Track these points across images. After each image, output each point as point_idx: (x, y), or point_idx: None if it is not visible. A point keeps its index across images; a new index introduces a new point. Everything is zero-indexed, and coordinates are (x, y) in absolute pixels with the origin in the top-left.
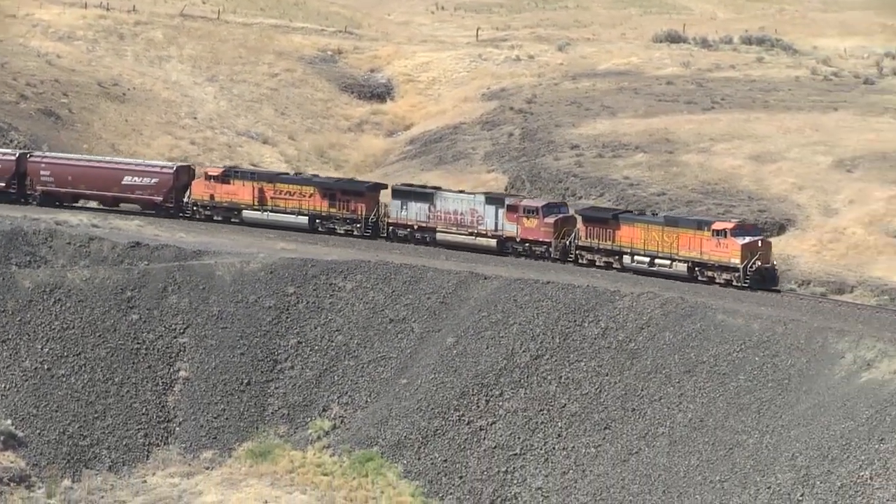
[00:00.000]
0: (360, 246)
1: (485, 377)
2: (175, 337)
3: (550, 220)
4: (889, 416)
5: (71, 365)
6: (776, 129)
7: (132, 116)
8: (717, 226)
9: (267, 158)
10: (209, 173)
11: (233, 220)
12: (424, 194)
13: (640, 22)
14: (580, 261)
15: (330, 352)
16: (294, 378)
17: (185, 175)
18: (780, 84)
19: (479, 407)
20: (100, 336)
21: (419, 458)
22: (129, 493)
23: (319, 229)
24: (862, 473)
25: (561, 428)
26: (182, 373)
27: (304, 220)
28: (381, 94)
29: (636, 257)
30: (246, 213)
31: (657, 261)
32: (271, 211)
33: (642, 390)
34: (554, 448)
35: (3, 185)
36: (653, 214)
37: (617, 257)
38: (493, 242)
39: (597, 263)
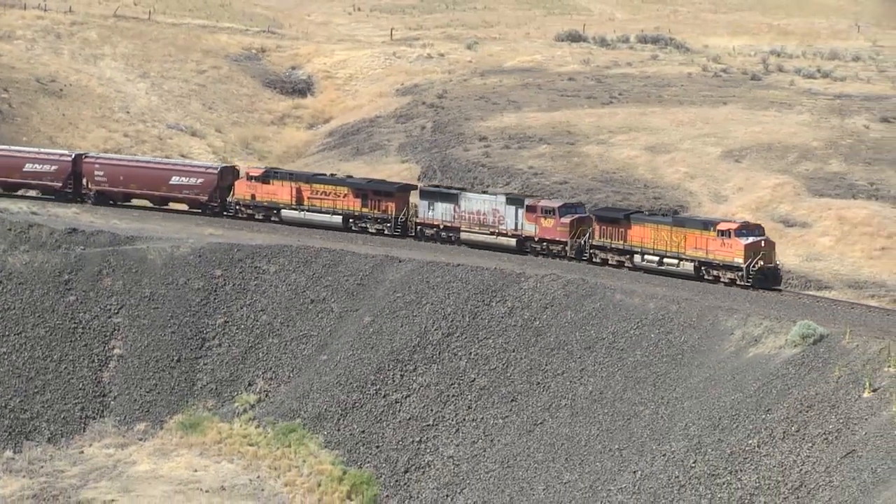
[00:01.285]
0: (282, 231)
1: (399, 353)
2: (110, 317)
3: (566, 220)
4: (775, 389)
5: (12, 343)
6: (670, 122)
7: (69, 111)
8: (722, 226)
9: (196, 150)
10: (251, 174)
11: (272, 218)
12: (450, 195)
13: (543, 22)
14: (594, 259)
15: (255, 330)
16: (221, 355)
17: (229, 175)
18: (673, 80)
19: (394, 381)
20: (39, 316)
21: (339, 429)
22: (68, 463)
23: (353, 228)
24: (750, 441)
25: (471, 400)
26: (116, 350)
27: (338, 219)
28: (301, 89)
29: (646, 256)
30: (285, 213)
31: (665, 260)
32: (308, 210)
33: (546, 365)
34: (464, 419)
35: (60, 184)
36: (663, 215)
37: (628, 256)
38: (513, 242)
39: (609, 262)
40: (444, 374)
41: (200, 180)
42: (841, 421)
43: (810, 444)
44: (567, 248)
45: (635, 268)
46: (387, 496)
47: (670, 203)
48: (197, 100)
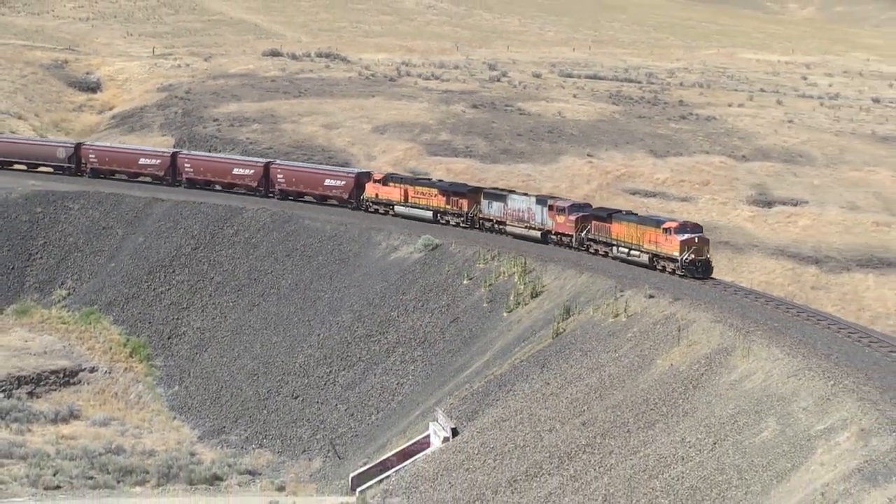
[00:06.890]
0: (82, 182)
1: (163, 261)
2: None
3: (573, 216)
4: (408, 279)
5: None
6: (338, 108)
7: None
8: (666, 224)
9: (21, 128)
10: (375, 178)
11: (389, 213)
12: (501, 196)
13: (254, 44)
14: (590, 250)
15: (65, 248)
16: (43, 264)
17: (364, 178)
18: (340, 81)
19: (159, 280)
20: None
21: (123, 312)
22: None
23: (440, 221)
24: (392, 313)
25: (211, 291)
26: None
27: (429, 213)
28: (93, 88)
29: (619, 249)
30: (397, 208)
31: (631, 252)
32: (412, 207)
33: (261, 267)
34: (207, 303)
35: (255, 184)
36: (634, 215)
37: (610, 248)
38: (538, 234)
39: (599, 253)
40: (193, 274)
41: (343, 182)
42: (450, 299)
43: (430, 314)
44: (573, 240)
45: (615, 258)
46: (156, 354)
47: (339, 161)
48: (21, 94)
